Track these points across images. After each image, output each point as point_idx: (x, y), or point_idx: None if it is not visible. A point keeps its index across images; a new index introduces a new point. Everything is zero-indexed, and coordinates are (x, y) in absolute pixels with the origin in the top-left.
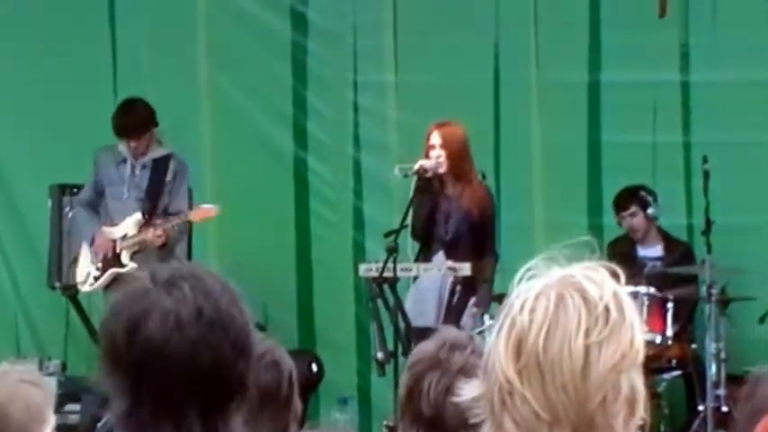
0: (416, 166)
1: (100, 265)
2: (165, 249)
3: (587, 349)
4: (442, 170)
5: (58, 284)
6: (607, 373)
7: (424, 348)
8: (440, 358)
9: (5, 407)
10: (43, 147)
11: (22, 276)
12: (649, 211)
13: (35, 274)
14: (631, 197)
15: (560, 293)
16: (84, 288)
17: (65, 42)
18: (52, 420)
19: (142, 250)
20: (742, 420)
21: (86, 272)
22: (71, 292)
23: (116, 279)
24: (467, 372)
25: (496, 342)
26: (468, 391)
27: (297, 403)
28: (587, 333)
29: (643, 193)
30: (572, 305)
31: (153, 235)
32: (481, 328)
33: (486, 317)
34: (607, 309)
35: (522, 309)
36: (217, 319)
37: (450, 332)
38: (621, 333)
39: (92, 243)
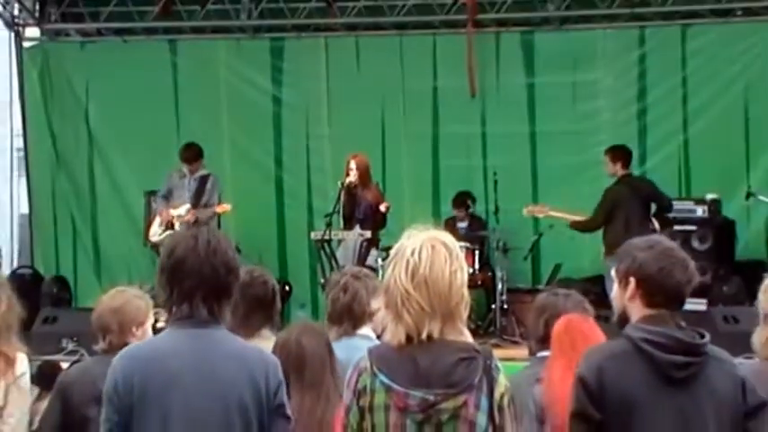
0: (347, 181)
1: (163, 228)
2: (199, 223)
3: (452, 274)
4: (356, 181)
5: (148, 243)
6: (460, 286)
7: (334, 276)
8: (336, 280)
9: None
10: (139, 163)
11: (133, 244)
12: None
13: (138, 238)
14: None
15: (433, 244)
16: (154, 238)
17: (150, 112)
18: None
19: (190, 223)
20: (531, 320)
21: (155, 230)
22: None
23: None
24: (343, 287)
25: (396, 271)
26: (375, 304)
27: (278, 305)
28: (451, 265)
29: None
30: (441, 250)
31: (191, 215)
32: (376, 266)
33: (380, 259)
34: (457, 253)
35: (413, 253)
36: (217, 250)
37: (353, 268)
38: (462, 266)
39: (160, 214)
